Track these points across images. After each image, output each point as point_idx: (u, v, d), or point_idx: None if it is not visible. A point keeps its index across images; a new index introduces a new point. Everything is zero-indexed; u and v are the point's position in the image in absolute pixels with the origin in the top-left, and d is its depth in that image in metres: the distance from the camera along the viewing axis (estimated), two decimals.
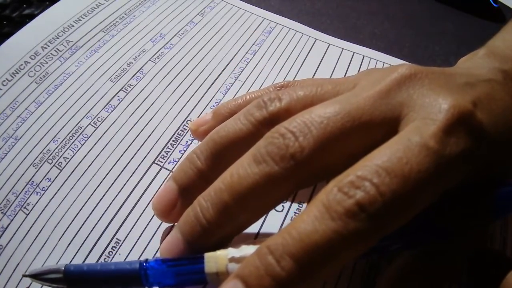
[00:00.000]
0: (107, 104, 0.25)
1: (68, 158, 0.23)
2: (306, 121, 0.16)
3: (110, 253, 0.20)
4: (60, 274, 0.18)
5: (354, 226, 0.13)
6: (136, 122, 0.25)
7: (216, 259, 0.16)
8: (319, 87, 0.19)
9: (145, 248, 0.20)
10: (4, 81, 0.25)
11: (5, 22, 0.29)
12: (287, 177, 0.16)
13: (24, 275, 0.19)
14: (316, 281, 0.14)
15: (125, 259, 0.20)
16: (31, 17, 0.29)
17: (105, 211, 0.21)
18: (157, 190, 0.22)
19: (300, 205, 0.22)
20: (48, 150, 0.23)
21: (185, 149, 0.24)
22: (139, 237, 0.20)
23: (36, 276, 0.18)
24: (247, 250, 0.16)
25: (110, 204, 0.21)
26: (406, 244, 0.17)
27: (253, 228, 0.21)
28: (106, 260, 0.20)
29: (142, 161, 0.23)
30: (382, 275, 0.19)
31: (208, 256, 0.16)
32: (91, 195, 0.21)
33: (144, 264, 0.17)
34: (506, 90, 0.18)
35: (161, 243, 0.20)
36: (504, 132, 0.17)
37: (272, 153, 0.16)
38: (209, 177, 0.18)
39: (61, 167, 0.22)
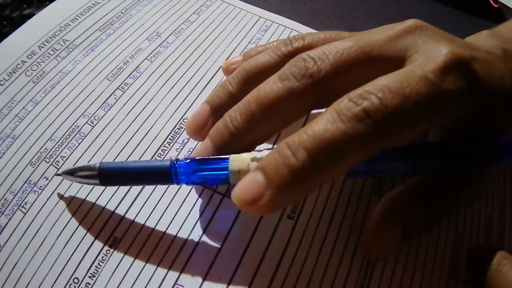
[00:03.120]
0: (104, 102, 0.25)
1: (65, 157, 0.23)
2: (324, 50, 0.19)
3: (108, 251, 0.20)
4: (95, 171, 0.19)
5: (360, 129, 0.16)
6: (133, 121, 0.25)
7: (239, 159, 0.18)
8: (338, 33, 0.22)
9: (142, 246, 0.20)
10: (1, 80, 0.25)
11: (5, 22, 0.29)
12: (306, 92, 0.18)
13: (56, 174, 0.21)
14: (325, 177, 0.16)
15: (123, 258, 0.20)
16: (31, 17, 0.29)
17: (102, 209, 0.21)
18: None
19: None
20: (45, 149, 0.23)
21: (182, 147, 0.24)
22: (137, 235, 0.21)
23: (71, 173, 0.20)
24: (268, 152, 0.18)
25: (108, 202, 0.21)
26: (409, 169, 0.19)
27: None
28: (103, 258, 0.20)
29: (140, 158, 0.23)
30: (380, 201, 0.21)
31: (233, 156, 0.19)
32: (88, 194, 0.22)
33: (175, 162, 0.19)
34: (504, 63, 0.20)
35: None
36: (500, 91, 0.19)
37: (295, 72, 0.19)
38: (239, 99, 0.20)
39: (58, 166, 0.22)
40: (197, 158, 0.19)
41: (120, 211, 0.21)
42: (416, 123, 0.17)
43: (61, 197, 0.21)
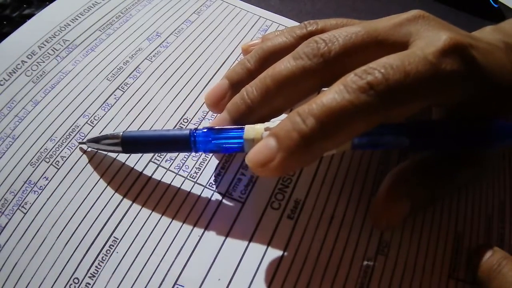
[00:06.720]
0: (104, 102, 0.25)
1: (65, 157, 0.23)
2: (335, 33, 0.21)
3: (108, 251, 0.20)
4: (118, 139, 0.21)
5: (364, 99, 0.17)
6: (133, 121, 0.25)
7: (254, 128, 0.20)
8: (348, 20, 0.24)
9: (142, 246, 0.20)
10: (1, 80, 0.25)
11: (5, 22, 0.29)
12: (317, 70, 0.20)
13: (80, 143, 0.23)
14: (332, 142, 0.18)
15: (123, 258, 0.20)
16: (31, 17, 0.29)
17: (102, 210, 0.21)
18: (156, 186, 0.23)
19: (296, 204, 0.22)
20: (45, 149, 0.23)
21: None
22: (137, 235, 0.21)
23: (96, 141, 0.22)
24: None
25: (108, 202, 0.21)
26: (410, 143, 0.20)
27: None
28: (103, 258, 0.20)
29: (139, 159, 0.23)
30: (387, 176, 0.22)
31: (248, 126, 0.20)
32: (89, 194, 0.22)
33: (194, 131, 0.21)
34: (505, 55, 0.21)
35: None
36: (499, 79, 0.20)
37: (307, 52, 0.20)
38: (255, 76, 0.22)
39: (58, 166, 0.22)
40: (214, 127, 0.21)
41: (120, 211, 0.21)
42: (415, 98, 0.18)
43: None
